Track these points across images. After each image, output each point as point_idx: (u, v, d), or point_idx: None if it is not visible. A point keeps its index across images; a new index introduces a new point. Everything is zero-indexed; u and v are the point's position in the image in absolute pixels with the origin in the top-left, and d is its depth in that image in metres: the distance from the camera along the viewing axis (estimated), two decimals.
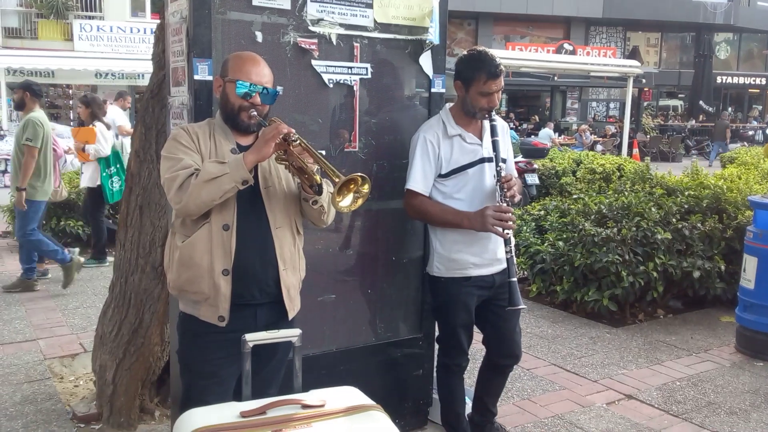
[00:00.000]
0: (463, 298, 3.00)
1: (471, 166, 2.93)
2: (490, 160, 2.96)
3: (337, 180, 2.11)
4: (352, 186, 2.16)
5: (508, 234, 2.85)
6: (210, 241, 2.24)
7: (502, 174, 2.89)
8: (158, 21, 3.26)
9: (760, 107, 34.83)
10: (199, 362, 2.32)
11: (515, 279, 2.84)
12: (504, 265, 2.97)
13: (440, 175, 2.96)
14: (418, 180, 2.94)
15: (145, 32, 19.62)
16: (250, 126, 2.34)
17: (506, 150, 3.06)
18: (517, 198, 2.92)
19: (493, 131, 2.93)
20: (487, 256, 2.97)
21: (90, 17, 20.28)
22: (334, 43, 3.00)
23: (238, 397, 2.19)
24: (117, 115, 9.50)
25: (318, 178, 2.23)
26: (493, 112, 2.96)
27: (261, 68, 2.35)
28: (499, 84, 2.88)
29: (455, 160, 2.94)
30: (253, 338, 1.95)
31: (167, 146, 2.31)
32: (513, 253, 2.87)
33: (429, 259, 3.11)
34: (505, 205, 2.85)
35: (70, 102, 21.17)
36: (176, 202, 2.19)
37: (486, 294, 3.04)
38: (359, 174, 2.15)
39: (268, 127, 2.26)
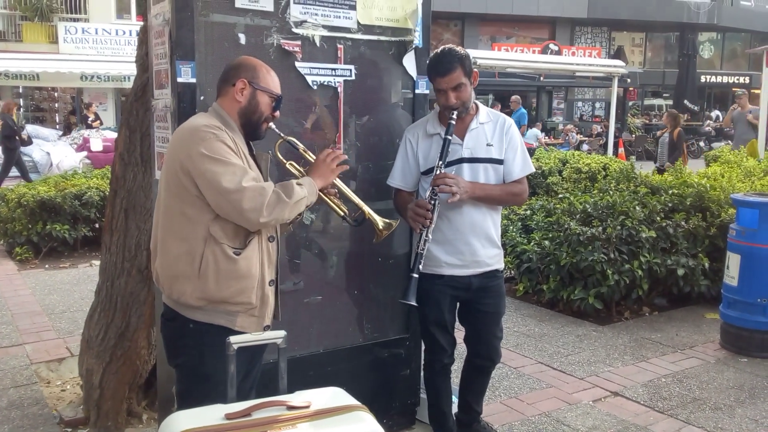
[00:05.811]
0: (434, 295, 3.02)
1: (449, 165, 2.94)
2: (470, 160, 2.97)
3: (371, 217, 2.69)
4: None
5: (422, 230, 2.87)
6: (260, 252, 2.31)
7: (437, 171, 2.87)
8: (143, 23, 3.25)
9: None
10: (221, 371, 2.14)
11: (417, 276, 2.85)
12: (483, 269, 3.04)
13: (423, 172, 3.03)
14: (395, 176, 3.08)
15: (130, 34, 19.51)
16: (263, 136, 2.46)
17: (500, 151, 3.01)
18: (455, 198, 2.83)
19: (448, 129, 2.90)
20: (462, 257, 2.98)
21: (75, 19, 20.12)
22: (318, 44, 3.01)
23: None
24: None
25: (345, 209, 2.63)
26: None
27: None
28: (449, 82, 2.85)
29: (432, 159, 2.97)
30: (237, 341, 1.95)
31: (213, 147, 2.18)
32: (424, 249, 2.87)
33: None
34: (428, 202, 2.86)
35: (56, 105, 21.01)
36: (262, 216, 2.17)
37: (464, 295, 3.06)
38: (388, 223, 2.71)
39: (330, 154, 2.49)
